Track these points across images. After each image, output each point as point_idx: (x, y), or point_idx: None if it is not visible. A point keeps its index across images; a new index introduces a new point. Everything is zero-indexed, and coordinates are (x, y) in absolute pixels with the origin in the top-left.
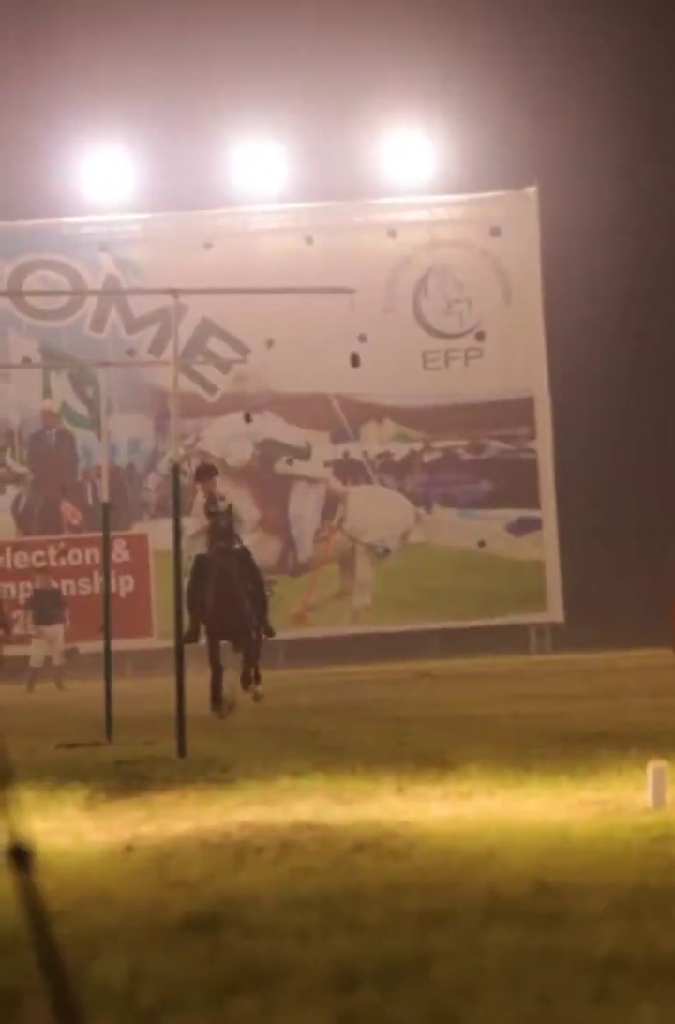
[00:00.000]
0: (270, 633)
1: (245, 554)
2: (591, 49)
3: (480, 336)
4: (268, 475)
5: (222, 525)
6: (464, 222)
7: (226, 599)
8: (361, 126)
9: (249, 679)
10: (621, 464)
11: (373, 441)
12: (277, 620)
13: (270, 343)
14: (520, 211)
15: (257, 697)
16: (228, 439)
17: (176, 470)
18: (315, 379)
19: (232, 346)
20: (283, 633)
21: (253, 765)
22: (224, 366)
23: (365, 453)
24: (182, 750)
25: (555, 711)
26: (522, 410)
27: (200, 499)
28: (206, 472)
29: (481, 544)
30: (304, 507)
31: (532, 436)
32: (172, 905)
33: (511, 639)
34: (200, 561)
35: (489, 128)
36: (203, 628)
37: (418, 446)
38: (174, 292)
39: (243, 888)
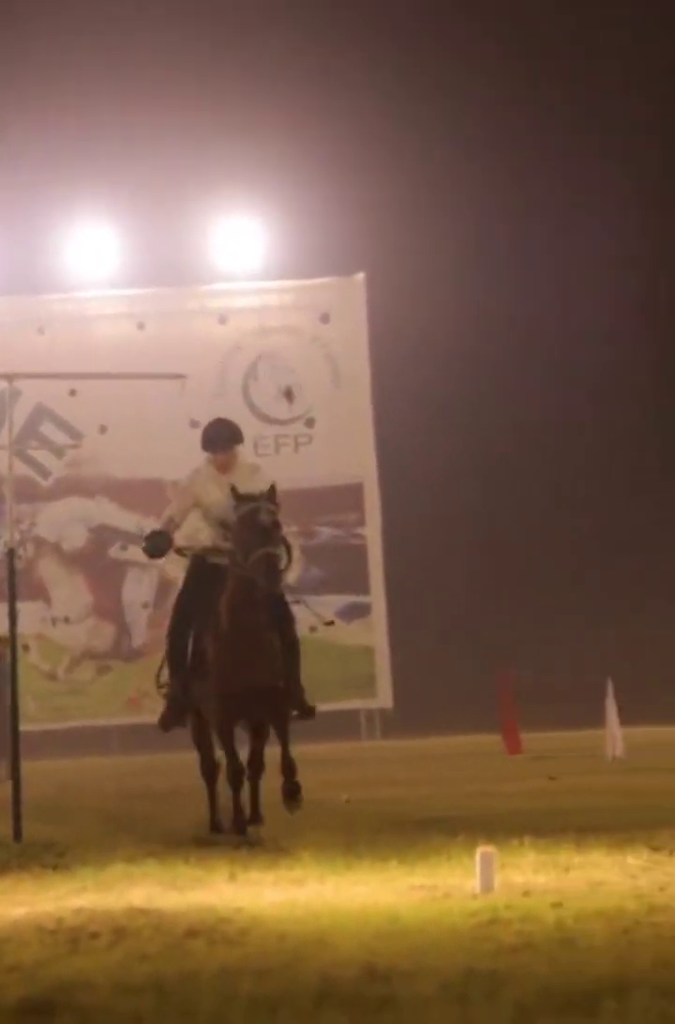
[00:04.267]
0: (308, 713)
1: (281, 596)
2: (422, 136)
3: (310, 422)
4: (102, 560)
5: (262, 519)
6: (294, 308)
7: (248, 641)
8: (193, 213)
9: (292, 776)
10: (448, 551)
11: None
12: (111, 706)
13: (103, 429)
14: (349, 297)
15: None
16: (63, 524)
17: (11, 555)
18: (148, 464)
19: (66, 431)
20: (117, 719)
21: (88, 851)
22: (58, 451)
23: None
24: (18, 834)
25: (385, 796)
26: (351, 496)
27: (208, 472)
28: (224, 438)
29: (312, 630)
30: (137, 592)
31: (361, 522)
32: (7, 989)
33: (341, 725)
34: (201, 569)
35: (319, 216)
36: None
37: None
38: (9, 377)
39: (78, 973)
